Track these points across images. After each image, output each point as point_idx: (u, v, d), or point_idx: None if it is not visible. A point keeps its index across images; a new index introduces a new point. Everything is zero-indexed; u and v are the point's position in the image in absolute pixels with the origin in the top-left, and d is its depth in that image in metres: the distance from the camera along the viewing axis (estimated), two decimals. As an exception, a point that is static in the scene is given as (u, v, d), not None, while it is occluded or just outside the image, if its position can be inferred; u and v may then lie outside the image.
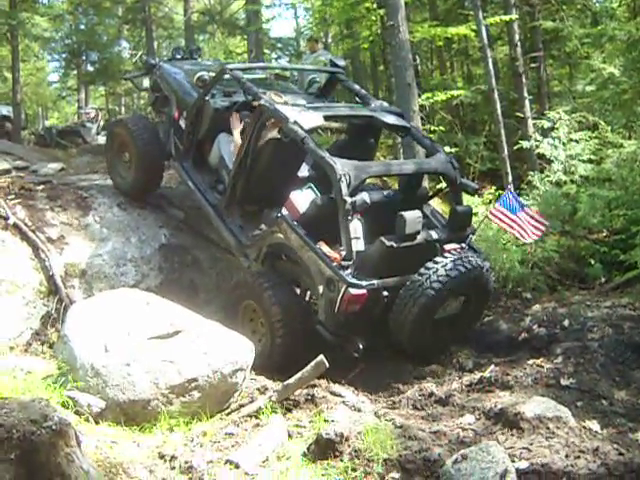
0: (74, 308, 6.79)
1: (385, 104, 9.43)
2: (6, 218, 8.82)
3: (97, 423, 5.45)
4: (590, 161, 10.57)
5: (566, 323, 7.89)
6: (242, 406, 6.12)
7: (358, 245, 7.11)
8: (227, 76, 9.03)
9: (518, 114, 15.11)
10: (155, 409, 5.69)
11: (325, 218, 7.36)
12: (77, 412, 5.43)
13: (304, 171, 8.95)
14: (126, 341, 5.97)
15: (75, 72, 31.28)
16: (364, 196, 7.41)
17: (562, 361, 6.85)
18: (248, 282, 7.94)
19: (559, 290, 9.59)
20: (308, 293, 7.59)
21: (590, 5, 18.79)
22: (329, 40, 24.75)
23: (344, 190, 7.07)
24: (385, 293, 7.16)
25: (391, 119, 8.66)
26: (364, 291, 6.94)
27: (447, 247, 7.47)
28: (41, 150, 18.05)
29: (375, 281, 7.05)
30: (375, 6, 17.10)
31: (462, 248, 7.51)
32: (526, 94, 15.47)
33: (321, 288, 7.19)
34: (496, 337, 8.22)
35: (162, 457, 5.01)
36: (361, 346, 7.22)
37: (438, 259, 7.13)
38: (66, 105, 41.62)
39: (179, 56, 11.46)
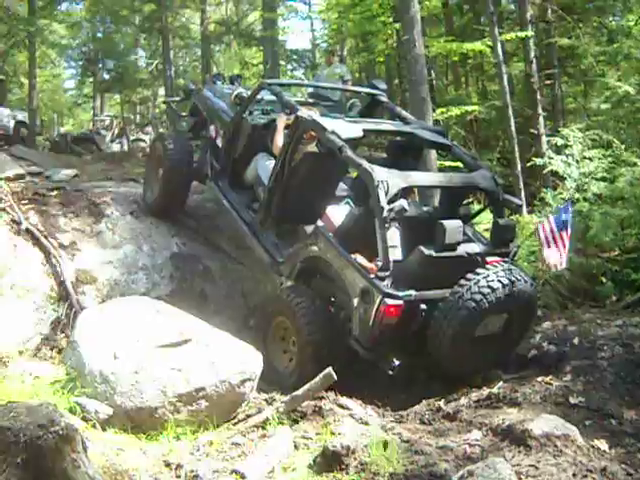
0: (84, 314, 6.81)
1: (426, 123, 9.32)
2: (19, 223, 8.86)
3: (104, 430, 5.46)
4: (603, 179, 10.54)
5: (576, 341, 7.84)
6: (249, 416, 6.12)
7: (395, 254, 6.92)
8: (265, 95, 9.08)
9: (532, 131, 15.12)
10: (162, 417, 5.69)
11: (362, 230, 7.16)
12: (84, 418, 5.44)
13: (341, 190, 8.77)
14: (135, 349, 5.98)
15: (91, 80, 31.52)
16: (402, 202, 7.05)
17: (571, 379, 6.81)
18: (281, 298, 7.70)
19: (570, 308, 9.55)
20: (342, 314, 7.32)
21: (606, 23, 18.82)
22: (345, 53, 24.83)
23: (382, 197, 6.85)
24: (423, 306, 6.83)
25: (432, 136, 8.60)
26: (401, 302, 6.65)
27: (489, 260, 7.17)
28: (55, 156, 18.15)
29: (412, 292, 6.75)
30: (391, 20, 17.18)
31: (505, 261, 7.12)
32: (540, 111, 15.49)
33: (356, 301, 6.89)
34: (506, 353, 8.18)
35: (168, 465, 5.01)
36: (397, 363, 6.99)
37: (480, 270, 6.76)
38: (81, 112, 41.93)
39: (219, 82, 11.44)
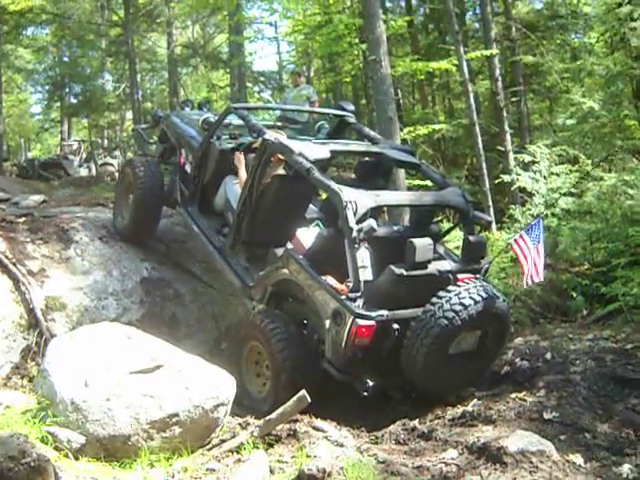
0: (54, 342, 6.73)
1: (395, 143, 9.36)
2: (-14, 251, 8.77)
3: (77, 459, 5.39)
4: (571, 194, 10.66)
5: (548, 356, 7.89)
6: (224, 441, 6.07)
7: (366, 274, 6.84)
8: (233, 119, 9.10)
9: (499, 148, 15.27)
10: (136, 444, 5.63)
11: (332, 252, 7.11)
12: (56, 447, 5.37)
13: (312, 213, 8.76)
14: (107, 376, 5.92)
15: (58, 104, 31.39)
16: (371, 222, 6.96)
17: (545, 394, 6.83)
18: (254, 323, 7.59)
19: (541, 323, 9.61)
20: (315, 336, 7.25)
21: (569, 40, 19.10)
22: (312, 74, 24.94)
23: (350, 217, 6.84)
24: (395, 326, 6.77)
25: (401, 156, 8.61)
26: (373, 322, 6.58)
27: (461, 277, 7.15)
28: (23, 182, 18.08)
29: (384, 312, 6.68)
30: (357, 40, 17.29)
31: (477, 278, 7.11)
32: (507, 128, 15.66)
33: (328, 323, 6.84)
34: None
35: (142, 493, 4.95)
36: (370, 384, 6.85)
37: (451, 288, 6.75)
38: (49, 137, 41.73)
39: (188, 108, 11.45)
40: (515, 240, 7.61)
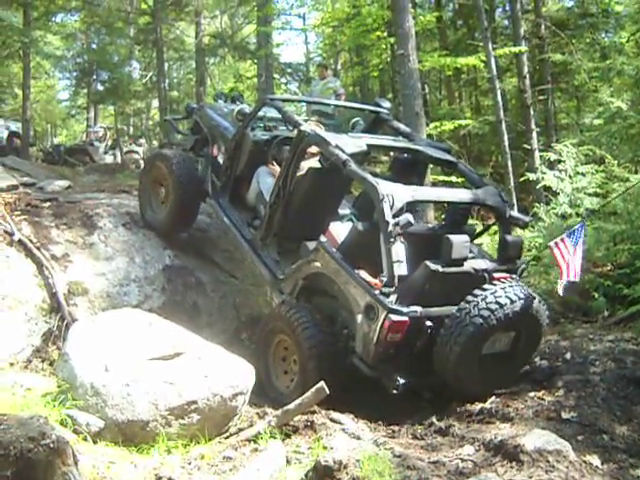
0: (76, 326, 6.78)
1: (431, 140, 9.29)
2: (11, 234, 8.82)
3: (95, 442, 5.43)
4: (596, 194, 10.58)
5: (568, 356, 7.85)
6: (241, 430, 6.10)
7: (400, 269, 6.74)
8: (267, 111, 9.08)
9: (525, 146, 15.16)
10: (154, 430, 5.67)
11: (365, 246, 7.03)
12: (75, 431, 5.41)
13: (345, 209, 8.70)
14: (127, 361, 5.96)
15: (85, 91, 31.45)
16: (408, 216, 6.79)
17: (563, 394, 6.80)
18: (281, 314, 7.53)
19: (562, 323, 9.55)
20: (345, 331, 7.17)
21: (599, 39, 18.93)
22: (339, 67, 24.89)
23: (387, 211, 6.75)
24: (429, 323, 6.70)
25: (438, 153, 8.57)
26: (406, 318, 6.51)
27: (497, 276, 7.06)
28: (49, 167, 18.14)
29: (418, 308, 6.63)
30: (385, 34, 17.23)
31: (513, 278, 7.06)
32: (534, 126, 15.54)
33: (359, 317, 6.76)
34: (498, 368, 8.17)
35: (159, 479, 4.98)
36: (402, 382, 6.70)
37: (487, 286, 6.68)
38: (75, 123, 41.87)
39: (221, 101, 11.43)
40: (555, 243, 7.49)
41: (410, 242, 7.15)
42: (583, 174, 10.76)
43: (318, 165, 7.94)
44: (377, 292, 6.65)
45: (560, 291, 7.45)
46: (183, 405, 5.79)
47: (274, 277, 8.16)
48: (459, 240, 6.83)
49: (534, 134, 15.40)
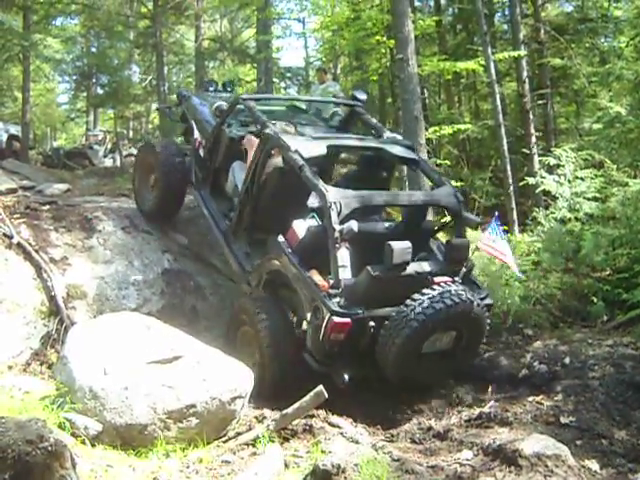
0: (74, 330, 6.77)
1: (398, 137, 9.38)
2: (10, 237, 8.83)
3: (93, 446, 5.43)
4: (595, 199, 10.56)
5: (567, 361, 7.85)
6: (240, 434, 6.10)
7: (345, 274, 7.07)
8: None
9: (524, 150, 15.17)
10: (152, 434, 5.66)
11: (320, 246, 7.25)
12: (74, 434, 5.41)
13: (314, 202, 8.77)
14: (125, 365, 5.95)
15: (85, 94, 31.50)
16: (352, 224, 7.16)
17: (562, 399, 6.82)
18: (245, 308, 7.89)
19: (561, 327, 9.54)
20: (301, 326, 7.46)
21: (598, 44, 18.95)
22: (338, 71, 24.90)
23: (333, 218, 7.08)
24: (372, 323, 6.97)
25: (400, 151, 8.68)
26: (347, 320, 6.82)
27: (437, 280, 7.23)
28: (48, 170, 18.17)
29: (360, 310, 6.90)
30: (385, 38, 17.25)
31: (453, 281, 7.24)
32: (533, 130, 15.57)
33: (309, 316, 7.11)
34: (496, 373, 8.16)
35: (157, 483, 4.98)
36: (347, 377, 7.02)
37: (425, 291, 6.89)
38: (74, 127, 41.89)
39: (212, 88, 11.78)
40: (482, 242, 7.78)
41: (362, 242, 7.34)
42: (582, 178, 10.75)
43: (282, 165, 8.26)
44: (323, 294, 6.94)
45: (517, 274, 8.26)
46: (182, 409, 5.78)
47: (242, 269, 8.50)
48: (400, 247, 7.01)
49: (533, 138, 15.43)
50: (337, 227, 7.04)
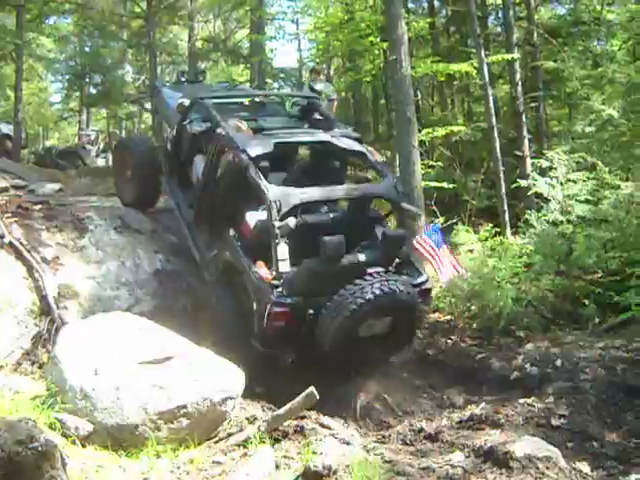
0: (66, 329, 6.77)
1: (347, 130, 9.75)
2: (2, 236, 8.80)
3: (84, 446, 5.41)
4: (587, 202, 10.57)
5: (559, 363, 7.87)
6: (231, 435, 6.09)
7: (284, 267, 7.56)
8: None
9: (517, 153, 15.19)
10: (143, 434, 5.65)
11: (268, 239, 7.69)
12: (64, 434, 5.40)
13: None
14: (116, 365, 5.95)
15: (77, 94, 31.44)
16: (289, 221, 7.86)
17: (554, 401, 6.82)
18: (203, 295, 8.70)
19: (552, 330, 9.55)
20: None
21: (591, 47, 18.99)
22: (331, 72, 24.89)
23: (273, 215, 7.57)
24: (310, 311, 7.46)
25: (347, 144, 9.06)
26: (286, 309, 7.39)
27: (370, 270, 7.68)
28: (40, 170, 18.08)
29: (298, 300, 7.43)
30: (378, 40, 17.26)
31: (386, 271, 7.78)
32: (525, 133, 15.58)
33: (254, 304, 7.64)
34: (488, 375, 8.18)
35: (148, 483, 4.97)
36: (291, 359, 7.66)
37: (357, 282, 7.36)
38: (67, 126, 41.75)
39: (184, 79, 12.11)
40: (417, 242, 8.35)
41: (309, 233, 7.85)
42: (574, 181, 10.75)
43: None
44: (267, 285, 7.54)
45: (442, 280, 8.68)
46: (173, 409, 5.77)
47: (203, 258, 9.04)
48: (332, 241, 7.46)
49: (526, 141, 15.44)
50: (276, 224, 7.55)
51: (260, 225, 8.08)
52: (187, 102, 9.92)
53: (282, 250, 7.59)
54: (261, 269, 7.78)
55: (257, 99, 11.34)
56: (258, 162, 8.14)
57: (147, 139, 11.44)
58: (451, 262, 8.38)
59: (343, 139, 9.15)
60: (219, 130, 8.75)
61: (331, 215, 8.62)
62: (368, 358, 7.98)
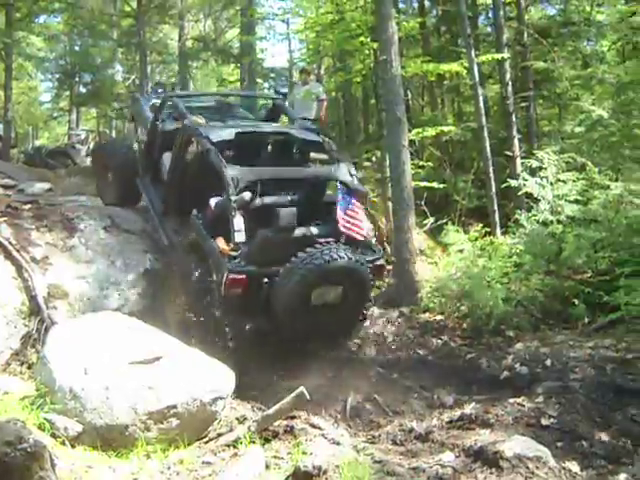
0: (55, 330, 6.75)
1: (307, 123, 10.99)
2: (-10, 236, 8.76)
3: (73, 447, 5.40)
4: (577, 202, 10.60)
5: (548, 363, 7.88)
6: (220, 435, 6.09)
7: (239, 237, 8.13)
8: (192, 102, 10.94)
9: (507, 153, 15.18)
10: (132, 435, 5.64)
11: (225, 217, 8.30)
12: (53, 435, 5.39)
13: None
14: (106, 365, 5.94)
15: (67, 93, 31.33)
16: (244, 195, 8.25)
17: (543, 401, 6.83)
18: (174, 274, 9.32)
19: (542, 329, 9.57)
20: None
21: (581, 48, 19.01)
22: (322, 72, 24.88)
23: (230, 190, 8.17)
24: (265, 280, 8.09)
25: (304, 135, 9.97)
26: (243, 276, 7.94)
27: (321, 240, 8.30)
28: (30, 169, 18.01)
29: (253, 268, 8.03)
30: (369, 40, 17.25)
31: (336, 242, 8.33)
32: (515, 133, 15.57)
33: (214, 275, 8.25)
34: (478, 374, 8.19)
35: (138, 484, 4.96)
36: (247, 327, 8.18)
37: (308, 249, 7.94)
38: (57, 126, 41.60)
39: (160, 90, 13.06)
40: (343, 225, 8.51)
41: (269, 212, 8.40)
42: (564, 181, 10.78)
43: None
44: (226, 256, 8.08)
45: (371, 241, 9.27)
46: (162, 410, 5.77)
47: (171, 243, 9.63)
48: (286, 212, 8.27)
49: (516, 141, 15.42)
50: (233, 197, 8.12)
51: (219, 203, 8.61)
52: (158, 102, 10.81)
53: (238, 222, 8.15)
54: (219, 242, 8.27)
55: (225, 102, 12.48)
56: (221, 149, 8.77)
57: (123, 143, 12.23)
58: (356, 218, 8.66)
59: (301, 131, 10.11)
60: (185, 121, 9.53)
61: (289, 198, 8.94)
62: (322, 330, 8.41)
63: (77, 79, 30.04)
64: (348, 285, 8.19)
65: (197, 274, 8.68)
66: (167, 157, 10.18)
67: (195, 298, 8.63)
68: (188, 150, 9.44)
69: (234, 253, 8.08)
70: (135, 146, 11.89)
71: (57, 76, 31.14)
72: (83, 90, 30.13)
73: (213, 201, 8.86)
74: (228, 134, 9.22)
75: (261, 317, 8.27)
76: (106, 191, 11.68)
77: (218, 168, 8.52)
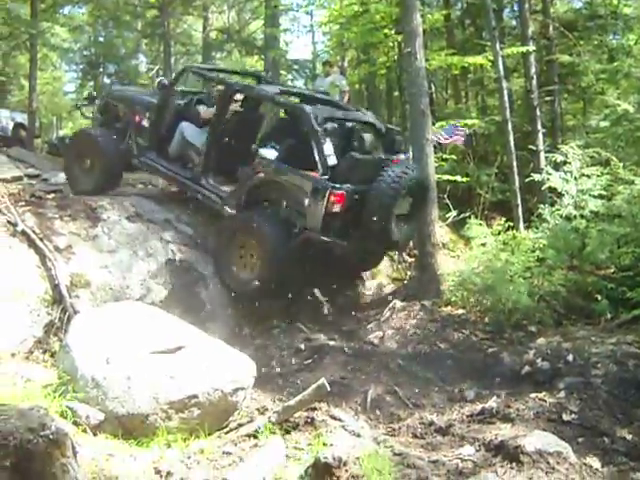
0: (78, 318, 6.79)
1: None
2: (15, 225, 8.82)
3: (95, 435, 5.43)
4: (601, 197, 10.51)
5: (570, 358, 7.83)
6: (241, 425, 6.10)
7: (332, 160, 9.08)
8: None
9: (531, 147, 15.10)
10: (153, 424, 5.67)
11: (294, 156, 9.44)
12: (75, 423, 5.42)
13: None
14: (128, 354, 5.96)
15: (92, 83, 31.47)
16: (331, 124, 9.45)
17: (565, 396, 6.79)
18: (241, 225, 9.78)
19: (564, 324, 9.52)
20: (292, 219, 9.39)
21: (607, 41, 18.85)
22: (345, 65, 24.82)
23: (314, 122, 9.19)
24: (356, 197, 9.03)
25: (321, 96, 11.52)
26: (343, 192, 8.87)
27: (394, 158, 9.82)
28: (53, 159, 18.10)
29: (349, 185, 8.98)
30: (393, 32, 17.18)
31: (406, 158, 10.26)
32: (540, 127, 15.48)
33: (307, 200, 9.03)
34: (499, 369, 8.15)
35: (158, 472, 4.98)
36: (344, 244, 9.12)
37: (388, 169, 9.22)
38: (80, 116, 41.78)
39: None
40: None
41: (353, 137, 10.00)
42: (588, 176, 10.70)
43: (239, 109, 10.91)
44: (319, 178, 9.01)
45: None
46: (184, 399, 5.79)
47: (219, 197, 10.18)
48: (369, 137, 9.91)
49: (540, 135, 15.34)
50: (319, 128, 9.15)
51: (286, 145, 9.83)
52: (166, 80, 11.66)
53: (328, 147, 9.13)
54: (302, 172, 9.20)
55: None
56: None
57: (107, 130, 11.86)
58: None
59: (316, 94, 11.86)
60: (228, 81, 10.83)
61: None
62: (402, 237, 9.76)
63: (101, 69, 30.20)
64: (416, 195, 9.63)
65: (277, 209, 9.49)
66: (187, 126, 10.90)
67: (276, 243, 9.33)
68: (229, 110, 10.43)
69: (325, 176, 8.98)
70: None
71: (81, 66, 31.34)
72: (107, 80, 30.24)
73: (265, 151, 9.85)
74: (275, 90, 10.45)
75: (351, 236, 9.22)
76: (81, 179, 11.38)
77: (295, 107, 10.13)
